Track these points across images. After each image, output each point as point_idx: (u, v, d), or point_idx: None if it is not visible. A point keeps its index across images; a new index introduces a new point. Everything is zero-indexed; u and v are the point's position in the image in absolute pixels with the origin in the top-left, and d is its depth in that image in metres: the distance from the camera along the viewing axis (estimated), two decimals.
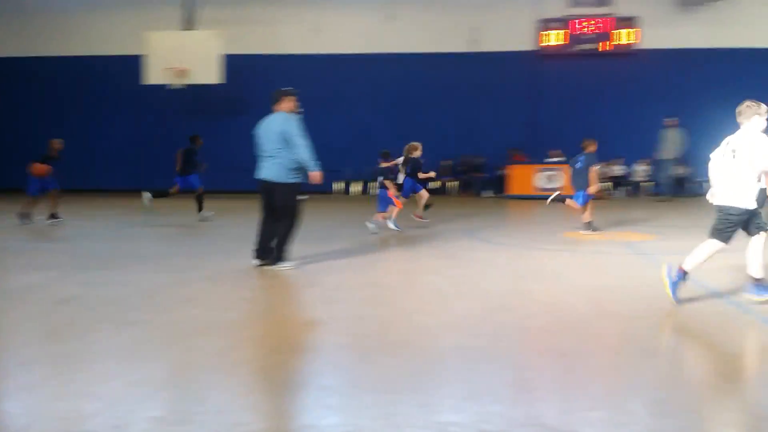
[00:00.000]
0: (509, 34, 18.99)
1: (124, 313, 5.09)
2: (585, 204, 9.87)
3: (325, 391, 3.52)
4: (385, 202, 10.27)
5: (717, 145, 5.64)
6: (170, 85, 17.92)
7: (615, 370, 3.98)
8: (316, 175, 6.70)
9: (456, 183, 19.17)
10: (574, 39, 18.60)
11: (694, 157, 17.63)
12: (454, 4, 19.17)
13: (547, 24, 18.70)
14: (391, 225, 10.12)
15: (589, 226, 9.98)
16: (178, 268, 7.15)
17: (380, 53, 19.28)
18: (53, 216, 11.20)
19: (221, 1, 19.15)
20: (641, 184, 18.47)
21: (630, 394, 3.49)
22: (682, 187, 17.40)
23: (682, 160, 17.00)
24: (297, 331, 4.78)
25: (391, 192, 10.17)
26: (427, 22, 19.33)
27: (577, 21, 18.58)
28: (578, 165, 9.92)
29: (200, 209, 11.94)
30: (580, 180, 9.89)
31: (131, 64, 18.21)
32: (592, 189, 9.80)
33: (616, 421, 3.12)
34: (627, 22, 18.35)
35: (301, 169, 6.74)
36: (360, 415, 3.18)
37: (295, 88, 7.03)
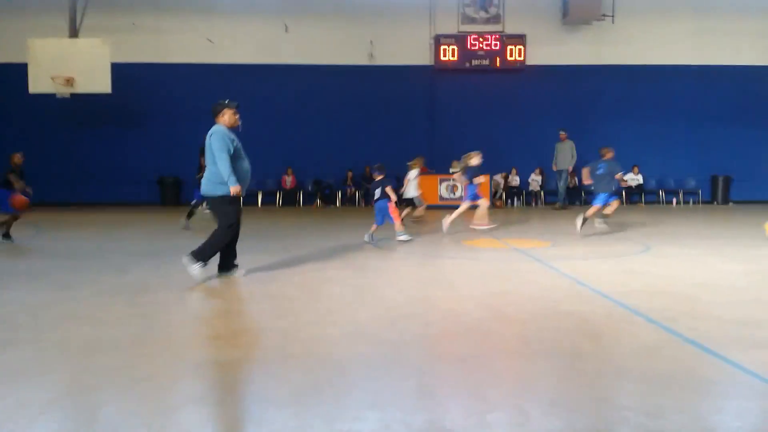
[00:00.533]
0: (407, 48, 19.39)
1: (7, 332, 4.74)
2: (605, 204, 11.13)
3: (224, 407, 3.42)
4: (382, 215, 10.24)
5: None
6: (58, 94, 17.00)
7: (512, 373, 4.10)
8: (232, 190, 6.70)
9: (357, 193, 19.26)
10: (468, 55, 19.21)
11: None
12: (351, 17, 19.35)
13: (442, 40, 19.22)
14: (404, 237, 10.30)
15: (605, 218, 11.26)
16: (64, 284, 6.74)
17: (276, 64, 19.15)
18: (5, 236, 10.35)
19: (110, 9, 18.44)
20: (537, 193, 19.26)
21: (526, 395, 3.61)
22: (576, 196, 18.30)
23: (575, 170, 17.90)
24: (194, 347, 4.61)
25: (393, 205, 10.27)
26: (325, 33, 19.39)
27: (470, 37, 19.20)
28: (600, 171, 11.14)
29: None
30: (601, 184, 11.16)
31: (16, 72, 17.15)
32: (622, 180, 11.45)
33: (512, 422, 3.21)
34: (516, 39, 19.15)
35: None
36: (260, 430, 3.11)
37: (234, 100, 7.02)
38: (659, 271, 7.68)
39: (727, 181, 19.44)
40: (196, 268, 6.78)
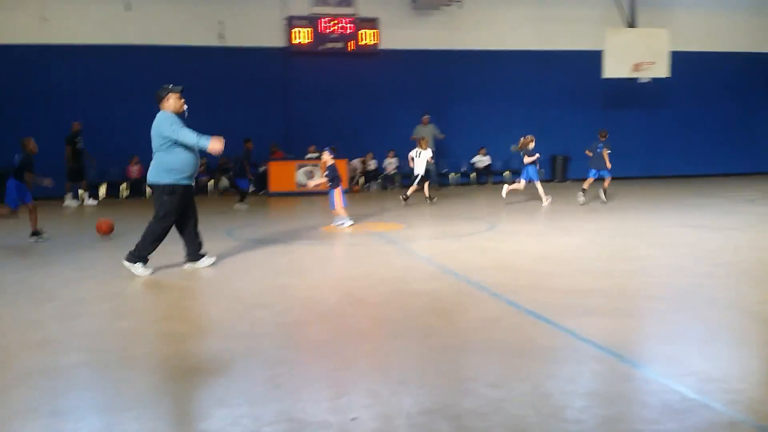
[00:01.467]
0: (259, 29, 18.91)
1: None
2: (601, 178, 13.18)
3: (59, 417, 3.17)
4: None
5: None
6: None
7: (364, 355, 4.15)
8: (215, 146, 6.51)
9: (214, 182, 18.63)
10: (322, 38, 19.10)
11: (442, 151, 19.28)
12: None
13: (294, 22, 18.95)
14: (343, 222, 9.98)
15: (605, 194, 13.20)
16: None
17: (118, 44, 17.94)
18: (36, 233, 9.01)
19: None
20: (392, 176, 19.62)
21: (377, 377, 3.66)
22: (437, 179, 18.72)
23: (435, 153, 18.34)
24: (27, 354, 4.22)
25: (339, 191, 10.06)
26: (170, 12, 18.40)
27: (323, 20, 19.09)
28: (599, 150, 13.16)
29: None
30: (596, 161, 13.21)
31: None
32: (609, 165, 13.13)
33: (362, 404, 3.23)
34: (369, 23, 19.30)
35: (178, 170, 6.49)
36: None
37: (179, 85, 6.83)
38: (503, 246, 8.10)
39: (566, 161, 20.88)
40: (138, 267, 6.50)
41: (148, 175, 6.67)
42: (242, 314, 5.06)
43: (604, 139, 13.47)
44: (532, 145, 13.56)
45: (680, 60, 20.06)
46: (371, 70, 19.61)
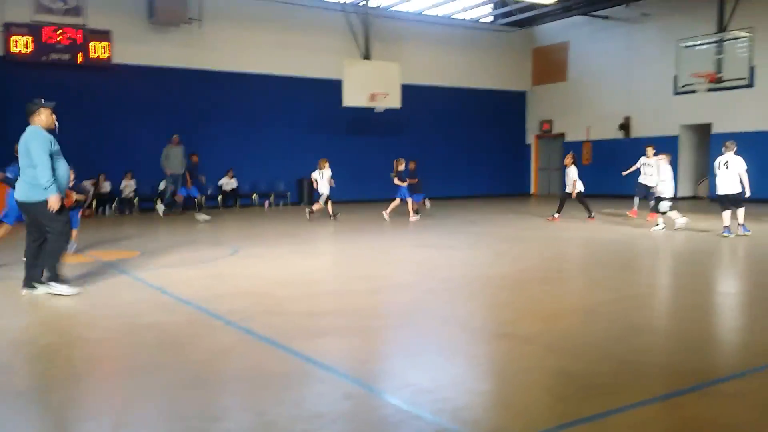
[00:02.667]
0: None
1: None
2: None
3: None
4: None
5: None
6: None
7: (76, 401, 3.75)
8: (52, 199, 6.20)
9: None
10: (45, 48, 17.33)
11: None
12: None
13: (13, 29, 16.97)
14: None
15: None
16: None
17: None
18: None
19: None
20: (130, 200, 18.40)
21: (88, 425, 3.32)
22: (192, 202, 17.83)
23: (185, 176, 17.53)
24: None
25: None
26: None
27: (46, 29, 17.36)
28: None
29: None
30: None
31: None
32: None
33: None
34: (100, 35, 17.98)
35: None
36: None
37: (51, 100, 6.57)
38: (244, 272, 8.00)
39: (311, 184, 21.42)
40: (58, 287, 6.36)
41: (20, 195, 6.35)
42: None
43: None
44: (401, 168, 14.70)
45: (410, 92, 21.90)
46: (104, 85, 18.28)
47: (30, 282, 6.48)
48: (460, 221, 14.70)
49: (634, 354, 4.36)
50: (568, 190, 14.23)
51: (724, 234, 10.59)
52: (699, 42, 16.38)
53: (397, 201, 14.99)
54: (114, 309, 5.95)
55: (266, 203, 20.78)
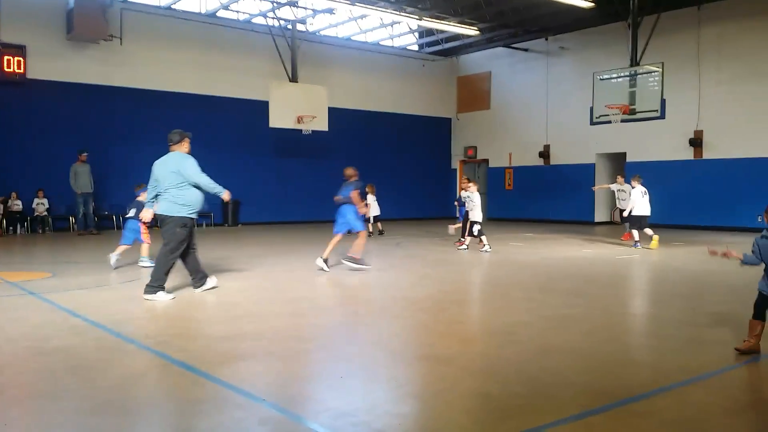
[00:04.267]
0: None
1: None
2: None
3: None
4: (132, 235, 10.23)
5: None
6: None
7: None
8: (226, 195, 7.57)
9: None
10: None
11: (103, 191, 17.90)
12: None
13: None
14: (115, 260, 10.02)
15: None
16: None
17: None
18: None
19: None
20: (43, 219, 17.58)
21: None
22: (95, 221, 17.25)
23: (94, 194, 16.99)
24: None
25: (145, 227, 10.03)
26: None
27: None
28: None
29: None
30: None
31: None
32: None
33: None
34: (14, 49, 17.24)
35: (189, 205, 7.34)
36: None
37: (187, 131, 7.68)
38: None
39: (237, 205, 21.12)
40: (161, 296, 7.13)
41: (163, 208, 7.30)
42: None
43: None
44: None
45: (339, 115, 22.00)
46: (17, 101, 17.51)
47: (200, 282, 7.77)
48: (385, 243, 14.77)
49: (549, 374, 4.46)
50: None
51: (636, 247, 13.00)
52: (614, 75, 17.13)
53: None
54: (20, 332, 5.63)
55: None
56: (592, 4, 17.65)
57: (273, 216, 22.11)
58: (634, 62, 16.93)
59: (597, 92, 17.31)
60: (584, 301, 7.53)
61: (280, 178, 22.32)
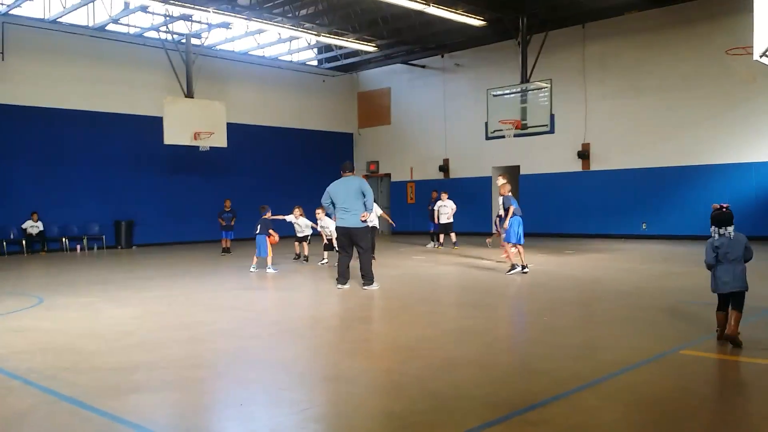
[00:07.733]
0: None
1: None
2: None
3: None
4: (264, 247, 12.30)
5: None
6: None
7: None
8: (367, 214, 9.48)
9: None
10: None
11: None
12: None
13: None
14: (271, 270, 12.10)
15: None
16: None
17: None
18: None
19: None
20: None
21: None
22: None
23: None
24: None
25: (272, 239, 12.35)
26: None
27: None
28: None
29: None
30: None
31: None
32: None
33: None
34: None
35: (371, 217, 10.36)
36: None
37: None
38: (49, 325, 7.30)
39: (130, 226, 20.26)
40: (375, 286, 9.47)
41: (352, 223, 9.33)
42: None
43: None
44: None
45: (238, 131, 21.62)
46: None
47: (344, 280, 9.69)
48: (288, 262, 14.59)
49: (450, 388, 4.53)
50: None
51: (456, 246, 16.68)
52: (506, 91, 17.79)
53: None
54: None
55: (78, 247, 19.26)
56: (484, 23, 18.30)
57: (169, 236, 21.35)
58: (525, 79, 17.67)
59: (491, 108, 17.92)
60: (481, 313, 7.73)
61: (176, 197, 21.62)
